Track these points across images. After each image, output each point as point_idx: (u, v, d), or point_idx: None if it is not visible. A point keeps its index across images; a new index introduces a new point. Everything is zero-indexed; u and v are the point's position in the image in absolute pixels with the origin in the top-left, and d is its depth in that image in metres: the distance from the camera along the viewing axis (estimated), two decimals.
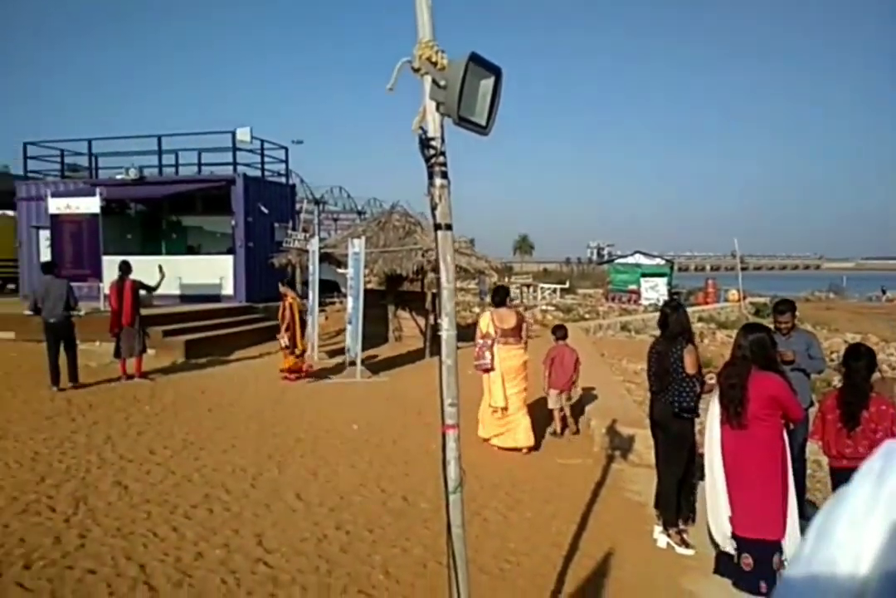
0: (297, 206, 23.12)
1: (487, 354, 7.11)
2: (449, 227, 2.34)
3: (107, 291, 11.11)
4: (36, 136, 44.87)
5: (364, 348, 11.47)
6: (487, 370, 7.15)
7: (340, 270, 17.25)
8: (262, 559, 4.46)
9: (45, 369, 9.60)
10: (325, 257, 13.57)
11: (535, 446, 7.34)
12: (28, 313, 9.94)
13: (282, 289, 10.90)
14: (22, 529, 4.79)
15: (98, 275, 13.45)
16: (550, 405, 8.09)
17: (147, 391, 9.56)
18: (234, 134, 17.00)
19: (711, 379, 4.59)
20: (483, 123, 2.25)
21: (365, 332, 11.45)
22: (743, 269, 31.63)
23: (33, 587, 3.95)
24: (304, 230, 18.28)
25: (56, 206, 14.04)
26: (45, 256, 15.53)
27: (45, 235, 15.91)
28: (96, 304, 13.06)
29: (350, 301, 12.00)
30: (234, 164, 17.29)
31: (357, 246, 11.71)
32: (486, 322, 7.25)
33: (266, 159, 19.00)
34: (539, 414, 8.25)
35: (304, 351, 11.01)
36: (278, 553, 4.56)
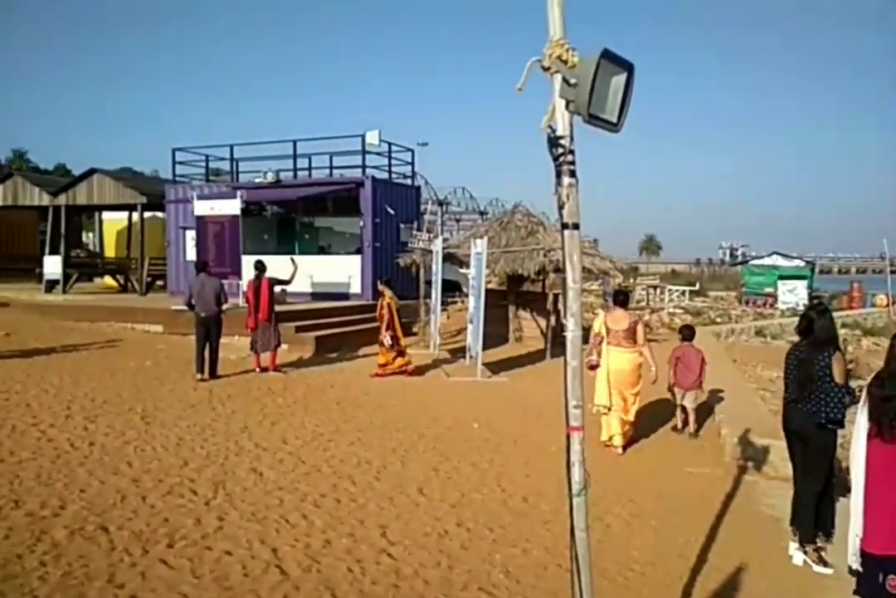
0: (422, 207, 23.57)
1: (595, 352, 7.24)
2: (576, 226, 2.31)
3: (245, 288, 11.78)
4: (182, 142, 47.95)
5: (484, 348, 11.54)
6: (593, 368, 7.20)
7: (462, 270, 17.46)
8: (385, 550, 4.59)
9: (190, 359, 10.36)
10: (448, 257, 13.77)
11: (624, 449, 7.34)
12: (181, 307, 10.72)
13: (380, 287, 11.24)
14: (166, 510, 5.16)
15: (238, 273, 14.30)
16: (676, 401, 8.13)
17: (280, 384, 10.07)
18: (363, 137, 17.57)
19: (861, 390, 4.27)
20: (614, 120, 2.21)
21: (485, 331, 11.52)
22: (893, 272, 29.25)
23: (176, 566, 4.25)
24: (429, 231, 18.61)
25: (201, 208, 15.07)
26: (191, 255, 16.71)
27: (191, 235, 17.09)
28: (235, 300, 13.90)
29: (471, 301, 12.12)
30: (364, 166, 17.87)
31: (479, 246, 11.80)
32: (600, 323, 7.40)
33: (393, 162, 19.51)
34: (658, 417, 8.00)
35: (404, 349, 11.26)
36: (401, 546, 4.67)
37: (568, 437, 2.36)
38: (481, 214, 31.59)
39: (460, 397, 9.77)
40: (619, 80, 2.17)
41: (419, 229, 18.01)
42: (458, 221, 32.79)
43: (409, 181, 20.27)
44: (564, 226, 2.31)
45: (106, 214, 24.35)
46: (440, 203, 28.17)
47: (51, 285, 19.03)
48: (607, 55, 2.08)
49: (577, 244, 2.33)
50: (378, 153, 18.74)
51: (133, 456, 6.38)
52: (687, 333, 8.33)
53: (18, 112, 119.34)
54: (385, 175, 19.14)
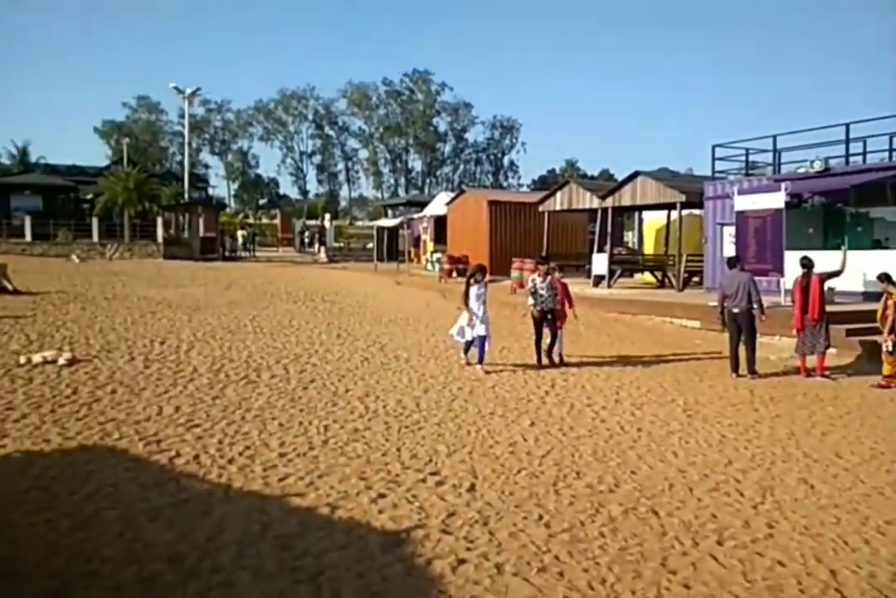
0: None
1: None
2: None
3: (788, 286, 11.09)
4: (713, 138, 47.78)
5: None
6: None
7: None
8: None
9: (726, 356, 10.26)
10: None
11: None
12: (715, 304, 10.73)
13: (883, 286, 9.30)
14: (713, 505, 5.18)
15: (780, 270, 13.56)
16: None
17: (829, 392, 9.19)
18: None
19: None
20: None
21: None
22: None
23: (727, 564, 4.22)
24: None
25: (742, 203, 14.74)
26: (728, 251, 16.50)
27: (728, 231, 16.89)
28: (776, 298, 13.21)
29: None
30: None
31: None
32: None
33: None
34: None
35: None
36: None
37: None
38: None
39: None
40: None
41: None
42: None
43: None
44: None
45: (646, 214, 25.87)
46: None
47: (598, 280, 21.06)
48: None
49: None
50: None
51: (677, 447, 6.61)
52: None
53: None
54: None
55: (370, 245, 39.50)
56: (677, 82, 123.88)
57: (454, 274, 24.80)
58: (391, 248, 35.31)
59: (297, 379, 8.66)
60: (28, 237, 37.25)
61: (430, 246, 33.72)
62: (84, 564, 3.85)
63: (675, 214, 20.71)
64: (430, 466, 5.79)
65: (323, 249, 39.92)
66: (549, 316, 10.46)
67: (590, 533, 4.60)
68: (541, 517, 4.81)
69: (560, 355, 10.64)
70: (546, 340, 10.49)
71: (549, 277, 10.57)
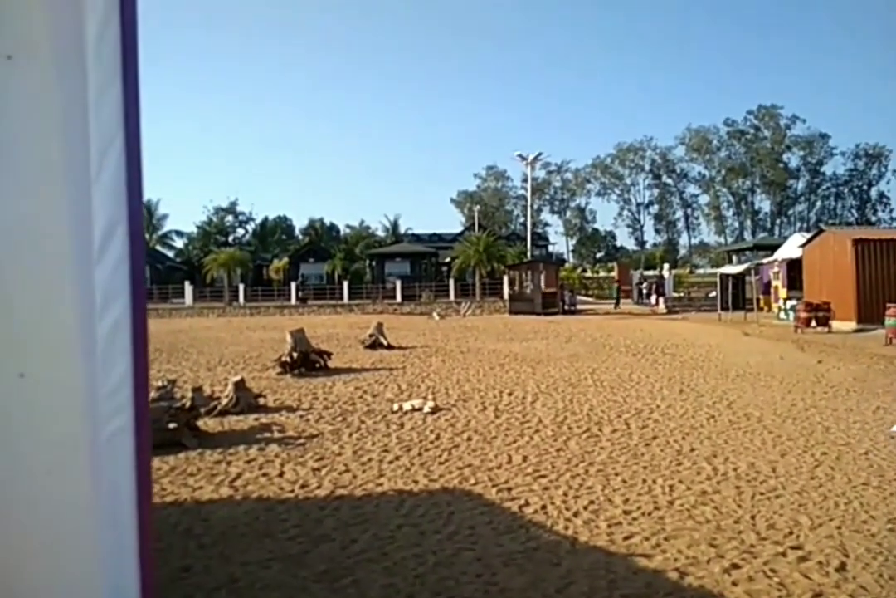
0: None
1: None
2: None
3: None
4: None
5: None
6: None
7: None
8: None
9: None
10: None
11: None
12: None
13: None
14: None
15: None
16: None
17: None
18: None
19: None
20: None
21: None
22: None
23: None
24: None
25: None
26: None
27: None
28: None
29: None
30: None
31: None
32: None
33: None
34: None
35: None
36: None
37: None
38: None
39: None
40: None
41: None
42: None
43: None
44: None
45: None
46: None
47: None
48: None
49: None
50: None
51: None
52: None
53: None
54: None
55: (713, 294, 37.64)
56: None
57: (812, 323, 22.41)
58: (737, 295, 33.17)
59: (639, 435, 8.52)
60: (398, 298, 43.13)
61: (783, 292, 31.02)
62: None
63: None
64: (791, 538, 5.22)
65: (661, 299, 39.10)
66: None
67: None
68: None
69: None
70: None
71: None
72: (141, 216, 1.51)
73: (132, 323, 1.54)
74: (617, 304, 40.64)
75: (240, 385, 10.02)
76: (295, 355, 13.61)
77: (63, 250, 1.48)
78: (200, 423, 8.77)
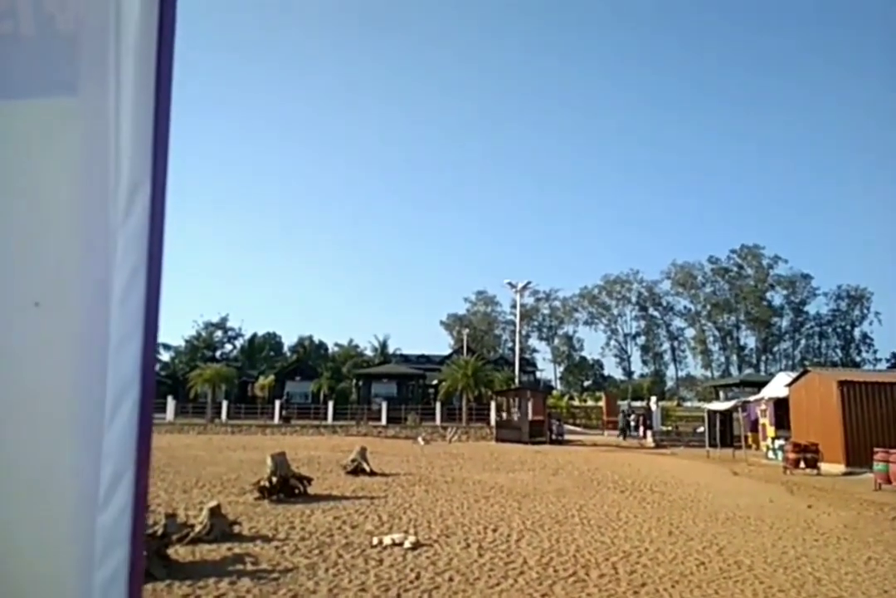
0: None
1: None
2: None
3: None
4: None
5: None
6: None
7: None
8: None
9: None
10: None
11: None
12: None
13: None
14: None
15: None
16: None
17: None
18: None
19: None
20: None
21: None
22: None
23: None
24: None
25: None
26: None
27: None
28: None
29: None
30: None
31: None
32: None
33: None
34: None
35: None
36: None
37: None
38: None
39: None
40: None
41: None
42: None
43: None
44: None
45: None
46: None
47: None
48: None
49: None
50: None
51: None
52: None
53: None
54: None
55: (700, 429, 37.28)
56: None
57: (801, 464, 22.14)
58: (724, 432, 32.88)
59: (627, 581, 8.20)
60: (384, 420, 42.43)
61: (771, 431, 30.80)
62: None
63: None
64: None
65: (650, 433, 38.65)
66: None
67: None
68: None
69: None
70: None
71: None
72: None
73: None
74: (624, 436, 39.98)
75: (215, 511, 9.70)
76: (274, 479, 13.26)
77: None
78: (171, 551, 8.40)
